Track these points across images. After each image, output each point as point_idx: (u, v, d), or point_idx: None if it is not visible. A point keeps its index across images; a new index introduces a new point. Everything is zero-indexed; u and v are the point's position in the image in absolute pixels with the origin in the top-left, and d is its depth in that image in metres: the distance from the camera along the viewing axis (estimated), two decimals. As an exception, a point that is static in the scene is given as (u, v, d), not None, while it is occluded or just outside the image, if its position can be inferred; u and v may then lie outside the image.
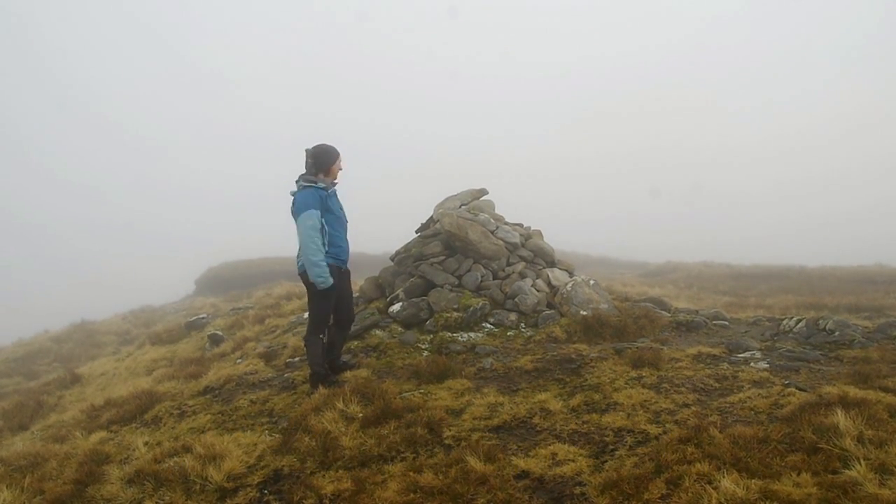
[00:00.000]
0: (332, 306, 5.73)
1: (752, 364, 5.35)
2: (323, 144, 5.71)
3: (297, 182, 5.67)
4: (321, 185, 5.59)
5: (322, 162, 5.65)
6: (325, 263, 5.43)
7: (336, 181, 5.82)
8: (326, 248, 5.53)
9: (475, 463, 3.66)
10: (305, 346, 5.77)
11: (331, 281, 5.45)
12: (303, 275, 5.66)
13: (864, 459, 3.10)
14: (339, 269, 5.68)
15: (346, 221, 5.89)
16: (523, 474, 3.59)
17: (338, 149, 5.80)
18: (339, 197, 5.87)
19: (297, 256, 5.72)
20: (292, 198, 5.63)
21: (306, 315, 9.20)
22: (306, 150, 5.68)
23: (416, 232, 8.61)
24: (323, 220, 5.52)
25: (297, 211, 5.48)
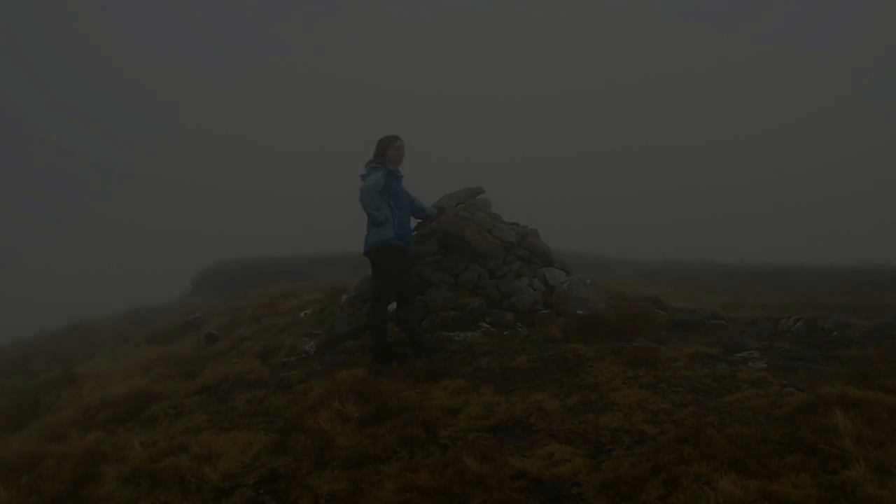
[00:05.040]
0: (395, 283, 6.15)
1: (750, 364, 5.33)
2: (386, 135, 6.28)
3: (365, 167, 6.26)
4: (389, 166, 6.17)
5: (380, 149, 6.26)
6: (380, 210, 5.96)
7: (399, 166, 6.35)
8: (396, 230, 6.03)
9: (471, 463, 3.65)
10: (368, 322, 6.20)
11: (382, 217, 5.93)
12: (368, 253, 6.08)
13: (864, 460, 3.08)
14: (404, 249, 6.17)
15: (408, 204, 6.44)
16: (520, 474, 3.57)
17: (398, 135, 6.32)
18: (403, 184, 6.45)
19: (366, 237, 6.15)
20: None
21: (302, 314, 9.18)
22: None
23: (413, 230, 8.59)
24: (391, 202, 6.07)
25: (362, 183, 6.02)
